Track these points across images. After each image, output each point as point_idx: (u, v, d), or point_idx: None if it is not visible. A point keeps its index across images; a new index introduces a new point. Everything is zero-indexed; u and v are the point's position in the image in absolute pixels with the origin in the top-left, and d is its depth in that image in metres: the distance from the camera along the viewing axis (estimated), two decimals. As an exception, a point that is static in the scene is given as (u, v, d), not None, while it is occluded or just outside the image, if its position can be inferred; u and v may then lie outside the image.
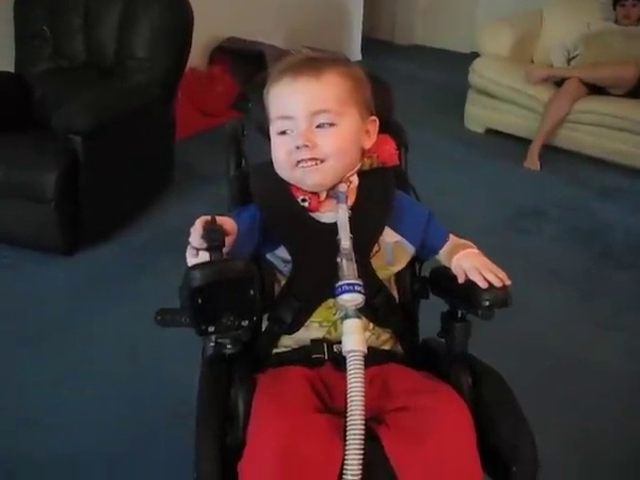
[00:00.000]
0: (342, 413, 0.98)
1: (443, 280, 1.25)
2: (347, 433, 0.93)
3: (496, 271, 1.12)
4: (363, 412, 0.94)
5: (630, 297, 2.67)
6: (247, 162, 1.39)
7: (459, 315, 1.20)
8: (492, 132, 4.24)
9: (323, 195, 1.20)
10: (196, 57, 3.95)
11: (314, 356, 1.15)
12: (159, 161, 3.17)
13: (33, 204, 2.51)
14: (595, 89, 3.83)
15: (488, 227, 3.06)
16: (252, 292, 0.98)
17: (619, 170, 3.77)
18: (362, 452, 0.93)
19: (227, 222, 1.01)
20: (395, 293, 1.27)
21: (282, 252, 1.18)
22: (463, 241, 1.27)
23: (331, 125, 1.16)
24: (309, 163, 1.15)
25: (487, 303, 1.09)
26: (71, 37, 3.01)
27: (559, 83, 3.90)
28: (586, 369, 2.17)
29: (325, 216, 1.19)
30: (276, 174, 1.22)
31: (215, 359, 1.14)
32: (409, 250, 1.25)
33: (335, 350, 1.14)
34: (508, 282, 1.11)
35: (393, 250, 1.22)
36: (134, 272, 2.64)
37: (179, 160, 3.39)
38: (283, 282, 1.19)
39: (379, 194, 1.24)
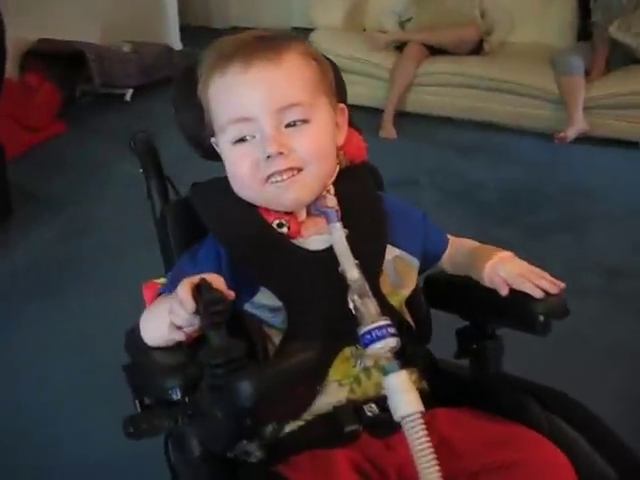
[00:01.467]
0: None
1: (455, 290, 1.04)
2: None
3: (545, 275, 0.92)
4: None
5: (519, 250, 2.65)
6: (174, 186, 1.11)
7: (489, 331, 1.00)
8: (339, 106, 4.13)
9: (302, 215, 0.95)
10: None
11: (348, 429, 0.87)
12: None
13: None
14: (436, 49, 3.83)
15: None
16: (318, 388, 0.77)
17: (471, 127, 3.80)
18: None
19: (217, 280, 0.77)
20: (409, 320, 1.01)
21: (265, 298, 0.91)
22: (475, 242, 1.07)
23: (304, 122, 0.91)
24: (284, 175, 0.90)
25: (545, 316, 0.90)
26: None
27: (400, 48, 3.87)
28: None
29: (311, 241, 0.94)
30: (233, 195, 0.95)
31: (212, 460, 0.86)
32: (413, 264, 1.01)
33: (369, 413, 0.88)
34: (563, 285, 0.92)
35: (395, 268, 0.97)
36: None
37: (11, 185, 2.95)
38: (276, 338, 0.90)
39: (363, 201, 1.00)
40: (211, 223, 0.96)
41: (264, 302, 0.91)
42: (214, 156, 1.00)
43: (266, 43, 0.91)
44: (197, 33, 5.97)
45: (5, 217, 2.81)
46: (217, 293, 0.74)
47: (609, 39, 3.55)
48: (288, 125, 0.90)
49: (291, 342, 0.84)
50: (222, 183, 0.97)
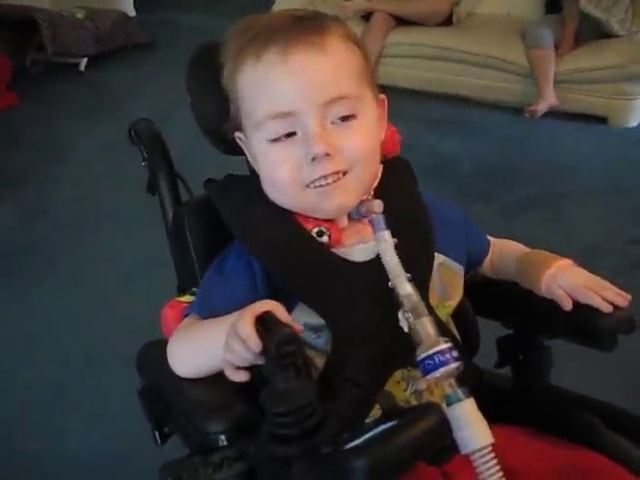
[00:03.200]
0: None
1: (501, 297, 0.97)
2: None
3: (611, 286, 0.86)
4: None
5: (497, 228, 2.62)
6: (186, 184, 1.00)
7: (537, 342, 0.94)
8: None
9: (344, 221, 0.85)
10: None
11: None
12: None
13: None
14: (403, 20, 3.73)
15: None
16: None
17: (441, 100, 3.73)
18: None
19: (278, 310, 0.68)
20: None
21: (305, 316, 0.80)
22: (520, 245, 0.99)
23: (351, 117, 0.80)
24: (329, 179, 0.79)
25: (611, 331, 0.84)
26: None
27: (366, 18, 3.76)
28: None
29: (355, 251, 0.84)
30: (263, 198, 0.84)
31: None
32: (458, 272, 0.91)
33: None
34: (629, 297, 0.85)
35: (440, 277, 0.88)
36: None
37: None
38: (319, 361, 0.81)
39: (407, 203, 0.90)
40: (240, 230, 0.85)
41: (304, 320, 0.80)
42: (236, 151, 0.89)
43: (307, 25, 0.80)
44: (150, -2, 5.75)
45: None
46: (287, 329, 0.64)
47: (579, 12, 3.51)
48: (333, 121, 0.80)
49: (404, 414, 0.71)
50: (247, 183, 0.86)
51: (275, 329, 0.64)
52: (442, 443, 0.67)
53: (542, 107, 3.48)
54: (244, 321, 0.67)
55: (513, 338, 0.96)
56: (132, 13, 5.09)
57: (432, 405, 0.70)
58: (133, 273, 2.20)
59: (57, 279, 2.22)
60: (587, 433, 0.85)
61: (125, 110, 2.95)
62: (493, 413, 0.83)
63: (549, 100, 3.48)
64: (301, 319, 0.80)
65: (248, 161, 0.90)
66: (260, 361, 0.67)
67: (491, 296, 0.99)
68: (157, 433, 0.84)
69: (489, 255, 1.00)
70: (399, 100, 3.79)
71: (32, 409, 1.72)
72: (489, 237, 1.01)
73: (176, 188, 0.99)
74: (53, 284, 2.20)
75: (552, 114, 3.52)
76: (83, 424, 1.64)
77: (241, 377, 0.71)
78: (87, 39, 3.93)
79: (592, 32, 3.54)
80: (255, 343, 0.66)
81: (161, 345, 0.82)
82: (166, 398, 0.82)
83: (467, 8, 3.97)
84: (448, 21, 3.79)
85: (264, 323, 0.66)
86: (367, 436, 0.63)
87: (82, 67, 4.01)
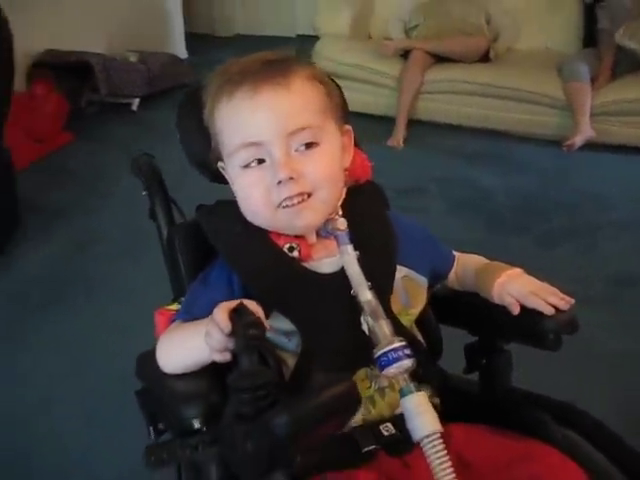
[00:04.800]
0: None
1: (464, 307, 1.06)
2: None
3: (556, 291, 0.94)
4: None
5: (531, 260, 2.64)
6: (180, 209, 1.12)
7: (498, 346, 1.02)
8: (345, 114, 4.11)
9: (312, 238, 0.95)
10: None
11: (365, 449, 0.88)
12: (1, 202, 2.71)
13: None
14: (441, 57, 3.83)
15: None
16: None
17: (479, 134, 3.80)
18: None
19: (253, 306, 0.78)
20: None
21: (279, 322, 0.90)
22: (482, 258, 1.08)
23: (313, 145, 0.91)
24: (295, 200, 0.90)
25: (555, 332, 0.92)
26: None
27: (404, 56, 3.87)
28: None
29: (323, 264, 0.94)
30: (241, 219, 0.95)
31: None
32: (421, 283, 1.01)
33: (385, 433, 0.90)
34: (572, 301, 0.94)
35: (404, 288, 0.98)
36: None
37: (19, 196, 2.95)
38: (290, 361, 0.91)
39: (371, 221, 1.00)
40: (222, 247, 0.96)
41: (277, 326, 0.90)
42: (221, 180, 1.01)
43: (274, 67, 0.91)
44: (202, 41, 6.00)
45: (13, 229, 2.81)
46: (254, 316, 0.75)
47: (615, 45, 3.55)
48: (297, 149, 0.90)
49: (318, 373, 0.84)
50: (230, 207, 0.97)
51: (244, 315, 0.75)
52: (353, 409, 0.76)
53: (579, 140, 3.50)
54: (219, 309, 0.77)
55: (477, 344, 1.05)
56: (184, 55, 5.34)
57: (344, 377, 0.78)
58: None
59: (105, 308, 2.33)
60: (541, 429, 0.93)
61: (172, 147, 3.09)
62: (460, 414, 0.93)
63: (586, 133, 3.51)
64: (275, 325, 0.89)
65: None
66: (230, 344, 0.77)
67: (457, 306, 1.09)
68: (151, 429, 0.93)
69: (454, 268, 1.08)
70: (438, 135, 3.92)
71: (68, 430, 1.79)
72: (454, 252, 1.10)
73: (170, 212, 1.11)
74: (93, 312, 2.29)
75: (589, 146, 3.55)
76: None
77: (223, 357, 0.80)
78: (139, 80, 4.12)
79: (628, 64, 3.57)
80: (225, 325, 0.75)
81: (152, 353, 0.92)
82: (156, 395, 0.92)
83: (505, 44, 4.04)
84: (486, 57, 3.86)
85: (236, 311, 0.76)
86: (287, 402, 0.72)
87: (134, 107, 4.21)
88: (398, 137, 3.73)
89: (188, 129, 1.04)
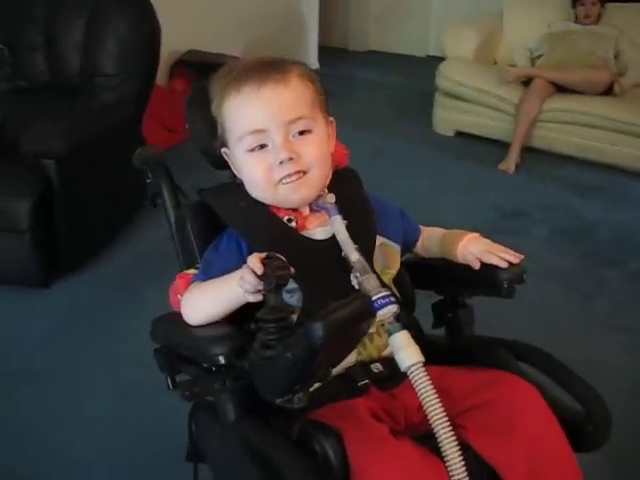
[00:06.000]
0: (408, 432, 0.99)
1: (431, 270, 1.25)
2: (445, 452, 0.89)
3: (508, 249, 1.12)
4: (449, 426, 0.90)
5: (625, 295, 2.65)
6: (184, 194, 1.29)
7: (460, 302, 1.20)
8: (461, 135, 4.20)
9: (306, 211, 1.14)
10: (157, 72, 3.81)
11: (360, 383, 1.06)
12: (131, 183, 2.99)
13: (5, 235, 2.34)
14: (562, 87, 3.83)
15: (473, 231, 3.00)
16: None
17: (593, 167, 3.77)
18: (464, 467, 0.89)
19: (279, 256, 0.94)
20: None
21: None
22: (443, 230, 1.26)
23: (307, 132, 1.10)
24: (293, 177, 1.09)
25: (508, 282, 1.09)
26: (31, 55, 2.84)
27: (526, 83, 3.90)
28: (589, 368, 2.10)
29: (316, 232, 1.13)
30: (245, 196, 1.13)
31: (246, 419, 1.03)
32: (395, 249, 1.21)
33: (375, 370, 1.08)
34: (522, 256, 1.11)
35: (382, 252, 1.17)
36: (116, 301, 2.48)
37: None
38: (294, 315, 1.06)
39: (354, 198, 1.19)
40: (231, 219, 1.13)
41: None
42: (222, 165, 1.19)
43: (274, 67, 1.09)
44: (334, 54, 6.23)
45: (139, 209, 3.03)
46: (282, 261, 0.90)
47: None
48: (294, 135, 1.08)
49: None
50: (233, 187, 1.16)
51: (274, 260, 0.91)
52: (371, 317, 0.91)
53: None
54: (253, 257, 0.94)
55: (443, 301, 1.23)
56: (315, 66, 5.59)
57: (361, 294, 0.95)
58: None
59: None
60: (499, 362, 1.11)
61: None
62: (433, 361, 1.07)
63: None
64: None
65: (230, 174, 1.19)
66: (261, 286, 0.92)
67: (424, 271, 1.27)
68: (169, 379, 1.12)
69: (420, 240, 1.28)
70: (550, 164, 3.93)
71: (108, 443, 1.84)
72: (420, 226, 1.28)
73: (177, 196, 1.29)
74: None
75: None
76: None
77: (255, 298, 0.95)
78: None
79: None
80: (258, 267, 0.91)
81: (168, 316, 1.11)
82: (177, 345, 1.10)
83: (633, 80, 3.97)
84: (609, 91, 3.82)
85: (267, 258, 0.92)
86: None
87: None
88: (510, 162, 3.77)
89: (196, 121, 1.20)
